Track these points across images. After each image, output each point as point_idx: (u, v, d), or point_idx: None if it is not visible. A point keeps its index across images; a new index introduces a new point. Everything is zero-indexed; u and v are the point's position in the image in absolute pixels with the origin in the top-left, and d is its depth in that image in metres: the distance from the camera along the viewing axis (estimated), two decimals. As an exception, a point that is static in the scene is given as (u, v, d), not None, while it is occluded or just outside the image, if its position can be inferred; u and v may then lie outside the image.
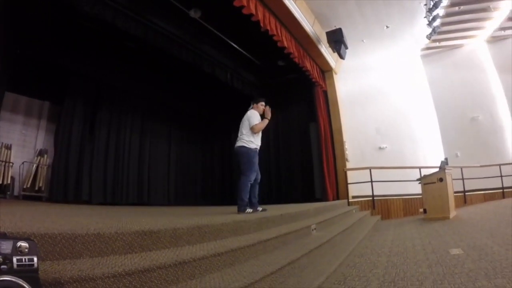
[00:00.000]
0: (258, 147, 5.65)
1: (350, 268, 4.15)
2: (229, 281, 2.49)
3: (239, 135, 5.66)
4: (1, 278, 1.33)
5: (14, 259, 1.39)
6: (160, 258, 2.38)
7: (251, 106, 5.93)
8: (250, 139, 5.53)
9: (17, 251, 1.42)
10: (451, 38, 11.91)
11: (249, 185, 5.35)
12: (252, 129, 5.54)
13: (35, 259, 1.45)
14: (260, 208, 5.48)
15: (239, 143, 5.55)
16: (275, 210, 5.81)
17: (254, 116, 5.64)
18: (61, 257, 2.03)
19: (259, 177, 5.63)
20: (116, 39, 8.75)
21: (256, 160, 5.52)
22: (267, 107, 5.77)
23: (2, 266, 1.35)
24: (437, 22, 9.68)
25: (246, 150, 5.45)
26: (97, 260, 2.14)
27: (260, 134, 5.73)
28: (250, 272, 2.79)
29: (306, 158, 11.32)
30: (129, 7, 7.64)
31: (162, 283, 2.23)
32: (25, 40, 8.02)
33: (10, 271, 1.37)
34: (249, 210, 5.22)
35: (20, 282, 1.36)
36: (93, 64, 9.48)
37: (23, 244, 1.44)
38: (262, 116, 5.76)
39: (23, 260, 1.42)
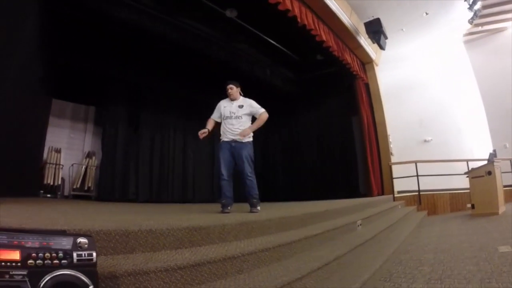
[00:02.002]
0: (226, 139, 5.04)
1: (395, 264, 4.06)
2: (277, 276, 2.49)
3: None
4: (62, 272, 1.40)
5: (74, 254, 1.47)
6: (210, 253, 2.43)
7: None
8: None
9: (77, 246, 1.49)
10: (494, 21, 11.26)
11: (223, 182, 4.89)
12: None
13: (94, 254, 1.52)
14: (258, 208, 4.87)
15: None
16: (319, 206, 5.77)
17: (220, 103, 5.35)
18: (115, 252, 2.12)
19: (242, 170, 5.00)
20: (154, 43, 8.94)
21: (223, 154, 4.97)
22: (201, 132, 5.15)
23: (63, 261, 1.42)
24: (478, 5, 9.23)
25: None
26: (149, 255, 2.21)
27: (226, 125, 5.13)
28: (297, 267, 2.78)
29: (349, 153, 11.13)
30: (165, 12, 7.83)
31: (211, 277, 2.28)
32: (68, 50, 8.37)
33: (70, 266, 1.43)
34: (226, 210, 4.71)
35: (80, 276, 1.43)
36: (134, 69, 9.70)
37: (83, 240, 1.51)
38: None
39: (83, 255, 1.49)
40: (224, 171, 4.90)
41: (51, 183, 8.81)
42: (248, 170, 4.97)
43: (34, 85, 6.67)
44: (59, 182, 9.01)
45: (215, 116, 5.29)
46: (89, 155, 9.88)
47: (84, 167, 9.61)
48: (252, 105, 5.14)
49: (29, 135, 6.95)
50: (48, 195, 8.65)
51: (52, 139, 9.12)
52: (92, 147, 10.09)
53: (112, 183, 9.39)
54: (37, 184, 8.27)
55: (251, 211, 4.71)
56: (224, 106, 5.22)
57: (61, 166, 9.14)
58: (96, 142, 10.14)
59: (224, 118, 5.14)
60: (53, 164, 8.97)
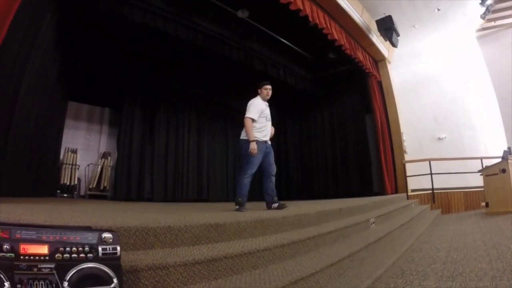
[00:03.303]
0: (265, 139, 5.04)
1: (408, 262, 4.07)
2: (291, 271, 2.54)
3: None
4: (88, 265, 1.47)
5: (100, 248, 1.54)
6: (226, 249, 2.49)
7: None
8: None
9: (102, 241, 1.57)
10: (507, 16, 11.05)
11: (247, 181, 4.84)
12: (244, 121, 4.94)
13: (118, 248, 1.60)
14: (276, 205, 4.88)
15: (242, 135, 5.01)
16: (333, 204, 5.81)
17: (251, 106, 5.02)
18: (135, 248, 2.19)
19: (273, 170, 5.07)
20: (168, 44, 9.06)
21: (259, 153, 4.88)
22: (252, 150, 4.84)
23: (89, 255, 1.50)
24: (489, 0, 9.18)
25: (244, 143, 4.91)
26: (168, 251, 2.28)
27: (264, 124, 5.05)
28: (311, 263, 2.83)
29: (362, 151, 11.17)
30: (178, 14, 7.97)
31: (228, 271, 2.34)
32: (83, 53, 8.57)
33: (96, 259, 1.51)
34: (244, 209, 4.59)
35: (105, 269, 1.50)
36: (148, 70, 9.90)
37: (107, 235, 1.59)
38: (269, 102, 5.23)
39: (108, 249, 1.56)
40: (254, 170, 4.92)
41: (68, 183, 8.98)
42: (275, 170, 5.13)
43: (51, 87, 6.82)
44: (76, 182, 9.18)
45: (256, 116, 4.98)
46: (104, 156, 10.04)
47: (100, 167, 9.77)
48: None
49: (46, 136, 7.10)
50: (65, 195, 8.82)
51: (68, 140, 9.31)
52: (107, 147, 10.26)
53: (127, 183, 9.54)
54: (54, 184, 8.44)
55: (279, 207, 4.82)
56: (265, 107, 5.16)
57: (77, 167, 9.31)
58: (112, 143, 10.30)
59: (267, 119, 5.15)
60: (69, 164, 9.15)
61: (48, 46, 6.14)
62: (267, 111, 5.16)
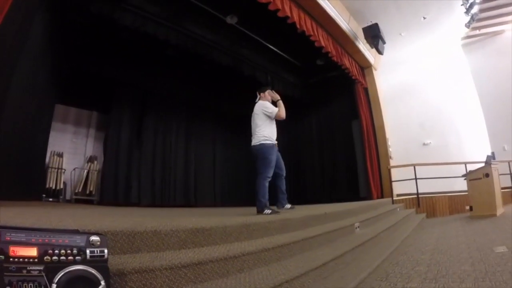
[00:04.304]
0: (275, 142, 5.21)
1: (392, 265, 4.14)
2: (276, 274, 2.59)
3: (253, 131, 5.23)
4: (77, 267, 1.51)
5: (88, 251, 1.58)
6: (212, 253, 2.52)
7: (258, 98, 5.49)
8: (266, 134, 5.09)
9: (90, 244, 1.60)
10: (491, 24, 11.35)
11: (267, 184, 4.93)
12: (278, 117, 5.13)
13: (106, 251, 1.63)
14: (288, 206, 5.30)
15: (256, 140, 5.12)
16: (319, 208, 5.86)
17: (269, 104, 5.24)
18: (122, 252, 2.22)
19: (283, 171, 5.37)
20: (158, 48, 9.08)
21: (274, 156, 5.06)
22: (271, 91, 5.40)
23: (77, 257, 1.54)
24: (475, 9, 9.36)
25: (261, 147, 5.04)
26: (154, 255, 2.31)
27: (275, 127, 5.27)
28: (296, 266, 2.88)
29: (349, 157, 11.26)
30: (169, 19, 8.00)
31: (213, 275, 2.38)
32: (72, 55, 8.51)
33: (84, 261, 1.55)
34: (267, 211, 4.66)
35: (92, 271, 1.54)
36: (137, 74, 9.89)
37: (95, 238, 1.63)
38: (274, 104, 5.34)
39: (95, 252, 1.60)
40: (272, 172, 5.07)
41: (53, 187, 8.89)
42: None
43: (38, 90, 6.76)
44: (61, 186, 9.09)
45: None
46: (91, 160, 9.97)
47: (86, 171, 9.69)
48: None
49: (32, 139, 7.02)
50: (50, 199, 8.73)
51: (55, 144, 9.21)
52: (94, 151, 10.18)
53: (114, 187, 9.50)
54: (40, 188, 8.34)
55: (291, 208, 5.27)
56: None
57: (63, 170, 9.23)
58: (98, 147, 10.24)
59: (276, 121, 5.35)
60: (55, 168, 9.06)
61: (38, 48, 6.09)
62: None
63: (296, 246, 3.40)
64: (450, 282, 3.29)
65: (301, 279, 2.67)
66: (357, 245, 4.10)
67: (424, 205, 9.68)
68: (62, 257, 1.49)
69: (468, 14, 9.35)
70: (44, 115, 7.84)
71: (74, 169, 9.59)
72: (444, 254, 4.62)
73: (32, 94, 6.32)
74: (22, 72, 5.43)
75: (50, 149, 8.95)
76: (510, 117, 11.01)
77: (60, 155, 9.37)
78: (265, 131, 5.10)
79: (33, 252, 1.44)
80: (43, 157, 8.52)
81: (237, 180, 13.23)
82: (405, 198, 9.94)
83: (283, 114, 5.16)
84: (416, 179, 9.51)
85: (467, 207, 8.36)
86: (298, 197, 11.78)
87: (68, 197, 9.44)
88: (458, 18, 10.09)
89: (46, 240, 1.50)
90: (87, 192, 9.55)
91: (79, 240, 1.58)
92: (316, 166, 12.11)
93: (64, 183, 9.30)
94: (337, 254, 3.50)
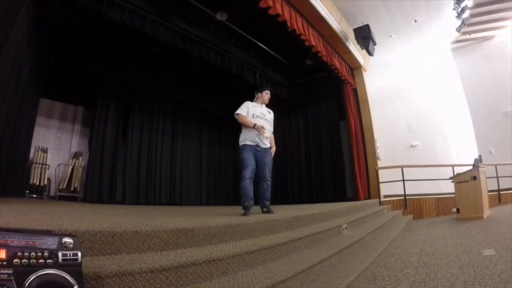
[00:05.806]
0: (255, 143, 5.01)
1: (380, 267, 4.12)
2: (261, 278, 2.52)
3: None
4: (47, 272, 1.41)
5: (60, 254, 1.49)
6: (194, 255, 2.45)
7: (256, 97, 5.48)
8: (241, 135, 5.10)
9: (62, 246, 1.51)
10: (481, 29, 11.47)
11: (245, 184, 4.80)
12: (237, 117, 5.11)
13: (79, 254, 1.54)
14: (265, 209, 5.04)
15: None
16: (306, 209, 5.82)
17: (241, 105, 5.22)
18: (100, 253, 2.13)
19: (266, 175, 5.06)
20: (145, 45, 8.99)
21: (246, 156, 4.92)
22: (258, 126, 5.00)
23: (48, 261, 1.45)
24: (466, 14, 9.40)
25: (239, 147, 5.07)
26: (134, 256, 2.23)
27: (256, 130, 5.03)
28: (282, 269, 2.82)
29: (337, 157, 11.26)
30: (157, 14, 7.85)
31: (196, 278, 2.30)
32: (58, 49, 8.35)
33: (56, 265, 1.46)
34: (249, 213, 4.59)
35: (65, 275, 1.45)
36: (124, 70, 9.76)
37: (68, 240, 1.54)
38: (269, 107, 5.44)
39: (68, 255, 1.51)
40: (249, 171, 4.96)
41: (37, 184, 8.71)
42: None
43: (23, 83, 6.61)
44: (45, 183, 8.91)
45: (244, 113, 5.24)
46: (76, 156, 9.79)
47: (70, 167, 9.52)
48: None
49: (16, 134, 6.87)
50: (34, 196, 8.55)
51: (39, 139, 9.02)
52: (79, 147, 10.00)
53: (99, 184, 9.35)
54: (23, 184, 8.17)
55: (268, 212, 4.96)
56: (259, 109, 5.36)
57: (47, 166, 9.04)
58: (84, 143, 10.05)
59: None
60: (39, 164, 8.87)
61: (22, 41, 5.95)
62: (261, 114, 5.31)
63: (282, 248, 3.34)
64: (440, 285, 3.26)
65: (287, 282, 2.61)
66: (345, 247, 4.06)
67: (411, 206, 9.70)
68: (32, 260, 1.41)
69: (459, 19, 9.37)
70: (28, 109, 7.68)
71: (58, 165, 9.39)
72: (432, 256, 4.61)
73: (16, 88, 6.17)
74: (5, 65, 5.29)
75: (34, 144, 8.77)
76: (497, 121, 11.15)
77: (45, 151, 9.18)
78: (241, 133, 5.16)
79: (1, 254, 1.35)
80: (27, 153, 8.35)
81: (223, 180, 13.20)
82: (393, 200, 9.96)
83: (239, 120, 5.11)
84: (403, 180, 9.51)
85: (454, 209, 8.40)
86: (285, 198, 11.76)
87: (52, 193, 9.25)
88: (448, 22, 10.17)
89: (16, 242, 1.41)
90: (72, 189, 9.37)
91: (51, 242, 1.49)
92: (302, 167, 12.05)
93: (49, 179, 9.12)
94: (324, 256, 3.44)
